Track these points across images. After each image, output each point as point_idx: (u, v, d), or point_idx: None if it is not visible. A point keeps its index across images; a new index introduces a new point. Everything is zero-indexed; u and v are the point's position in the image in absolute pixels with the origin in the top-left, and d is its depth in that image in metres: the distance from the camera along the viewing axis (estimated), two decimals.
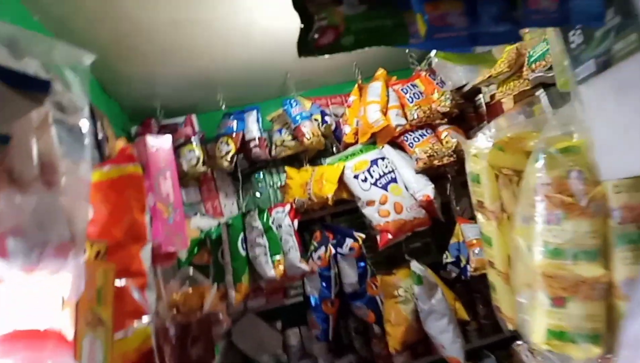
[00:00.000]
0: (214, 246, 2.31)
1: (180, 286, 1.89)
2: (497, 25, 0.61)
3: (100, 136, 1.92)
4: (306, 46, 0.59)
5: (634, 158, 0.73)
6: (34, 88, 0.57)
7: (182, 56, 2.19)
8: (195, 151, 2.44)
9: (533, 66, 1.60)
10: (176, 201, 1.83)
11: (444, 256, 2.46)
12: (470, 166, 1.32)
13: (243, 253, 2.24)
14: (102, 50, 1.97)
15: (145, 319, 1.22)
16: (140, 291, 1.32)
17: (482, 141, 1.26)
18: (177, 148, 2.43)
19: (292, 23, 2.04)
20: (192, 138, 2.45)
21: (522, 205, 1.14)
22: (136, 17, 1.81)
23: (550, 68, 1.38)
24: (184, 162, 2.43)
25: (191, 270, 1.93)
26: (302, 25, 0.59)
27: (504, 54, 1.76)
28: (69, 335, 0.86)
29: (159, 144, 1.83)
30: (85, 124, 0.95)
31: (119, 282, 1.25)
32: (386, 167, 2.37)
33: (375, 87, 2.42)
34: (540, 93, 1.41)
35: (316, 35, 0.59)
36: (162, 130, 2.46)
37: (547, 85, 1.43)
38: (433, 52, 1.00)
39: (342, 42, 0.59)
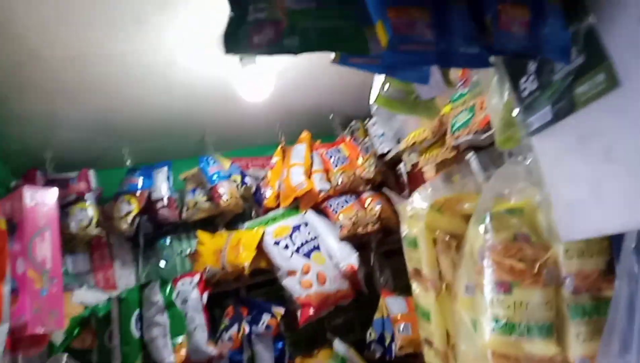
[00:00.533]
0: (101, 327, 1.90)
1: None
2: (466, 45, 0.51)
3: None
4: (236, 41, 0.44)
5: (602, 215, 0.65)
6: None
7: (83, 97, 1.92)
8: (87, 211, 2.09)
9: (457, 133, 1.61)
10: (54, 269, 1.49)
11: (368, 333, 2.28)
12: (406, 229, 1.21)
13: (137, 334, 1.85)
14: None
15: None
16: None
17: (418, 202, 1.17)
18: (65, 206, 2.07)
19: (214, 70, 1.94)
20: (86, 195, 2.11)
21: (465, 273, 1.03)
22: (33, 46, 1.55)
23: (477, 133, 1.38)
24: (72, 223, 2.06)
25: (65, 358, 1.53)
26: (232, 15, 0.44)
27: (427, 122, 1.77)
28: None
29: (40, 198, 1.53)
30: None
31: None
32: (309, 234, 2.21)
33: (300, 150, 2.33)
34: (471, 156, 1.39)
35: (251, 30, 0.44)
36: (50, 184, 2.08)
37: (477, 148, 1.42)
38: (371, 99, 0.91)
39: (285, 43, 0.45)
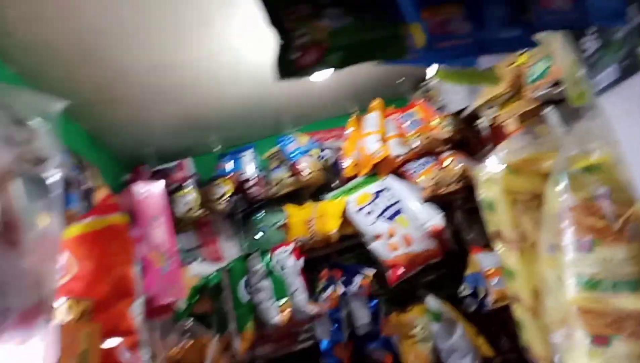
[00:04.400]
0: (215, 293, 2.18)
1: (179, 340, 1.76)
2: (505, 30, 0.52)
3: (86, 187, 1.84)
4: (286, 67, 0.50)
5: None
6: None
7: (169, 98, 2.14)
8: (189, 196, 2.35)
9: (535, 84, 1.52)
10: (170, 249, 1.73)
11: (461, 288, 2.31)
12: (483, 193, 1.21)
13: (246, 298, 2.10)
14: (86, 98, 1.92)
15: None
16: (132, 351, 1.21)
17: (493, 165, 1.16)
18: (170, 194, 2.34)
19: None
20: (186, 182, 2.37)
21: (547, 232, 1.03)
22: (117, 63, 1.77)
23: (555, 84, 1.30)
24: (178, 207, 2.33)
25: (190, 321, 1.80)
26: (281, 43, 0.50)
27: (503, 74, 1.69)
28: None
29: (149, 191, 1.75)
30: (55, 176, 0.87)
31: (108, 343, 1.14)
32: (391, 198, 2.27)
33: (372, 118, 2.35)
34: (549, 111, 1.32)
35: (297, 55, 0.50)
36: (155, 176, 2.37)
37: (555, 102, 1.35)
38: (430, 74, 0.92)
39: (328, 60, 0.51)
